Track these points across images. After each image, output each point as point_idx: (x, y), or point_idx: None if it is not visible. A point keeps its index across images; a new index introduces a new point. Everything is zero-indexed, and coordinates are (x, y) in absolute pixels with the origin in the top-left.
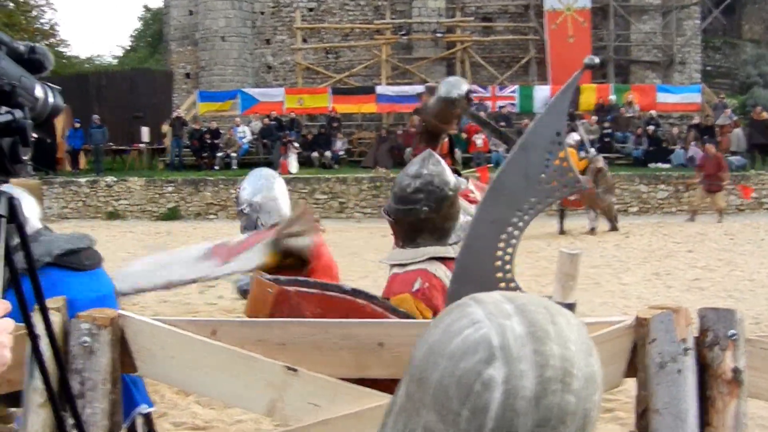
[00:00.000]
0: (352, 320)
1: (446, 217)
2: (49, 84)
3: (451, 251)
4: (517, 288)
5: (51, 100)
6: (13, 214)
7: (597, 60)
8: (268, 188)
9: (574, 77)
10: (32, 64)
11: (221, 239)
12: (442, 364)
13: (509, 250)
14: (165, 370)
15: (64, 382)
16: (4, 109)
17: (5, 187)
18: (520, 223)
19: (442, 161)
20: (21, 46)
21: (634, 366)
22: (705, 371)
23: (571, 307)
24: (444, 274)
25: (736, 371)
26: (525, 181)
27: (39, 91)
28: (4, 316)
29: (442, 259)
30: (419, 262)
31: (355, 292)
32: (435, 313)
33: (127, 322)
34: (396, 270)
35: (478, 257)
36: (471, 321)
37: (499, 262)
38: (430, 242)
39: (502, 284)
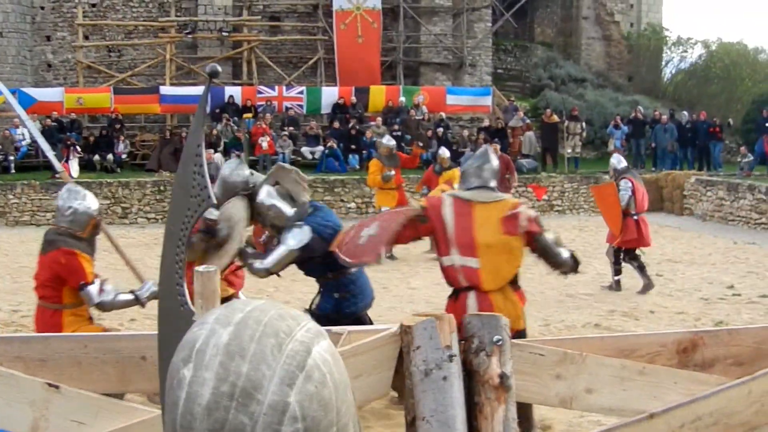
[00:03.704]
0: (112, 334)
1: None
2: None
3: None
4: (186, 307)
5: None
6: None
7: (219, 68)
8: None
9: (205, 88)
10: None
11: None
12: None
13: (180, 264)
14: None
15: None
16: None
17: None
18: (183, 236)
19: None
20: None
21: (402, 374)
22: (472, 377)
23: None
24: None
25: (503, 376)
26: (183, 193)
27: None
28: None
29: None
30: None
31: None
32: None
33: None
34: None
35: (165, 272)
36: (203, 320)
37: (176, 275)
38: None
39: (181, 308)
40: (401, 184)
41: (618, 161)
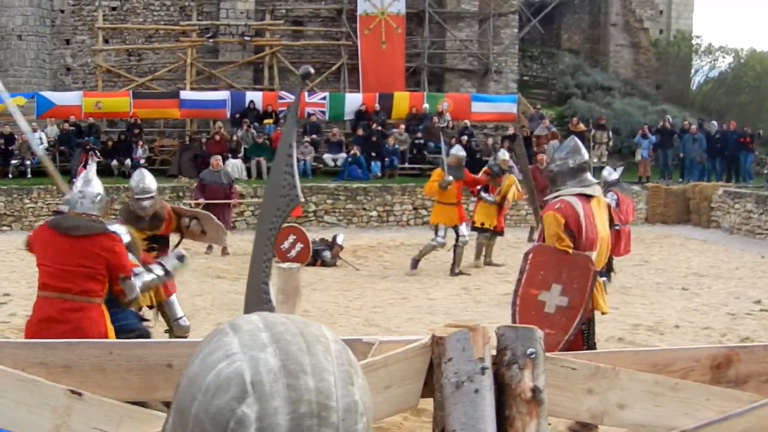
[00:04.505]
0: (137, 341)
1: None
2: None
3: None
4: (270, 304)
5: None
6: None
7: (311, 69)
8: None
9: (297, 90)
10: None
11: None
12: (198, 398)
13: (267, 263)
14: None
15: None
16: None
17: None
18: (271, 236)
19: None
20: None
21: (432, 386)
22: (503, 391)
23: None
24: None
25: (535, 390)
26: (273, 193)
27: None
28: None
29: None
30: None
31: None
32: None
33: None
34: None
35: (253, 270)
36: (225, 354)
37: (263, 274)
38: None
39: (266, 305)
40: (460, 200)
41: (609, 173)
